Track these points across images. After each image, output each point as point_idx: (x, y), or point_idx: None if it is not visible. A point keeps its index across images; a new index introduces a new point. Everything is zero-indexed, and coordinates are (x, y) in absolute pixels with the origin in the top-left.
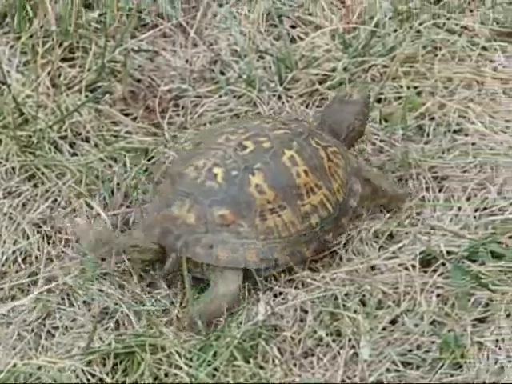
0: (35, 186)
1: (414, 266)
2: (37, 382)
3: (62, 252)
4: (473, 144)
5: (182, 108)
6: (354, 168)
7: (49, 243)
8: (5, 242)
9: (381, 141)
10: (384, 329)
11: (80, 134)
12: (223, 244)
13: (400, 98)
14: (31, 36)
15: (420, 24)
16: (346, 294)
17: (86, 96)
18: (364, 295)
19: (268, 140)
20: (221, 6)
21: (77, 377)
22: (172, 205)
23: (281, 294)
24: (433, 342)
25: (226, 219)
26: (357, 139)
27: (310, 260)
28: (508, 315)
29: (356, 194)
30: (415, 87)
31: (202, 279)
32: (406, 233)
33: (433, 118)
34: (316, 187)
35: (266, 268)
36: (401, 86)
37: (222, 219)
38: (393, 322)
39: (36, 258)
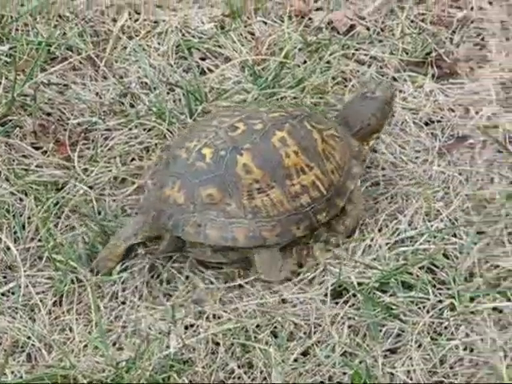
0: None
1: (325, 297)
2: None
3: None
4: (383, 175)
5: (92, 141)
6: (355, 151)
7: None
8: None
9: None
10: (296, 360)
11: None
12: (211, 222)
13: None
14: None
15: (329, 55)
16: (258, 326)
17: None
18: (275, 327)
19: (261, 122)
20: (130, 38)
21: None
22: (164, 186)
23: (192, 326)
24: (344, 373)
25: (213, 198)
26: (370, 135)
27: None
28: (419, 346)
29: (355, 176)
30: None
31: None
32: (317, 264)
33: None
34: (307, 167)
35: (256, 247)
36: None
37: (210, 198)
38: (304, 353)
39: None
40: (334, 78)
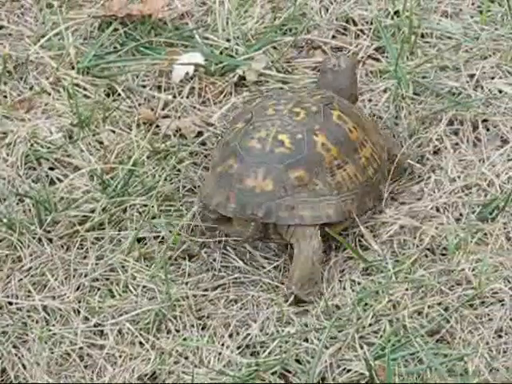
0: None
1: None
2: None
3: None
4: (234, 280)
5: None
6: (374, 124)
7: None
8: None
9: None
10: None
11: None
12: (304, 204)
13: (158, 236)
14: None
15: (178, 162)
16: None
17: None
18: None
19: (313, 104)
20: None
21: None
22: (245, 178)
23: None
24: None
25: (302, 180)
26: (354, 102)
27: None
28: None
29: (383, 148)
30: (172, 225)
31: None
32: (170, 372)
33: (193, 256)
34: (364, 141)
35: (340, 222)
36: (161, 225)
37: (299, 180)
38: None
39: None
40: (183, 186)
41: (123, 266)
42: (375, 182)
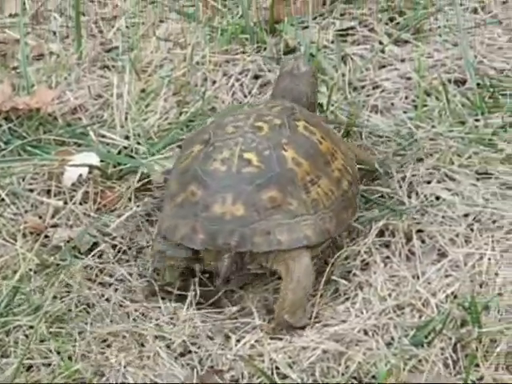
0: None
1: None
2: None
3: None
4: None
5: None
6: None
7: None
8: None
9: None
10: None
11: None
12: (280, 227)
13: (48, 364)
14: None
15: (70, 277)
16: None
17: None
18: None
19: (275, 117)
20: None
21: None
22: (211, 205)
23: None
24: None
25: (276, 200)
26: (315, 109)
27: None
28: None
29: (353, 159)
30: (66, 350)
31: None
32: None
33: None
34: (334, 152)
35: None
36: (50, 351)
37: (273, 201)
38: None
39: None
40: (76, 305)
41: None
42: (351, 195)
